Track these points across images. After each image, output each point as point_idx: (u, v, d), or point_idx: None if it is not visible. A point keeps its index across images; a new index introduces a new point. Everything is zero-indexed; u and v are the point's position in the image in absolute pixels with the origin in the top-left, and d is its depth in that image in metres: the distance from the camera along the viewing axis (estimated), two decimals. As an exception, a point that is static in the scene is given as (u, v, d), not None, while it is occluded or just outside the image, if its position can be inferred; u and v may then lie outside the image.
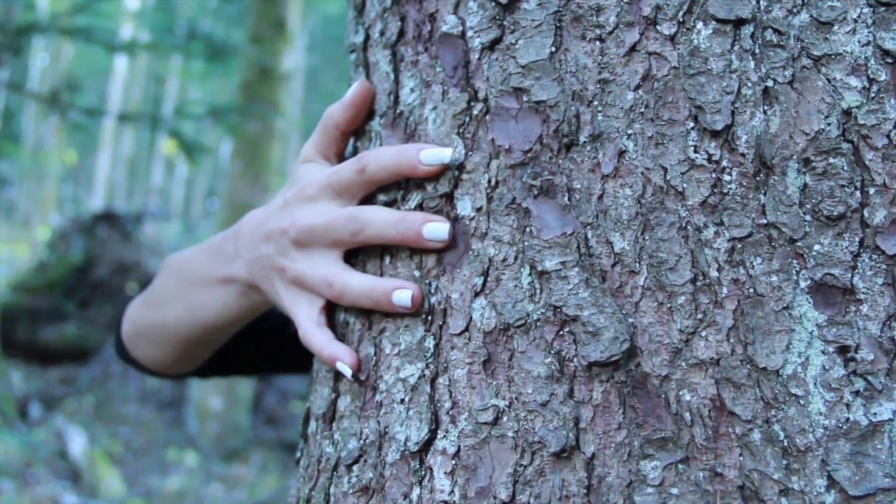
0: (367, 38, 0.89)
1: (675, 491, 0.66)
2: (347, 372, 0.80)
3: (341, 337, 0.84)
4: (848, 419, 0.64)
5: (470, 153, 0.77)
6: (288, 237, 0.84)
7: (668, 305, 0.68)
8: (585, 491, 0.67)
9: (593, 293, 0.70)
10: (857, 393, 0.64)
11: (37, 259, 9.46)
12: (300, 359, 1.11)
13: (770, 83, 0.69)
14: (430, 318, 0.77)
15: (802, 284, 0.66)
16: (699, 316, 0.67)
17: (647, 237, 0.69)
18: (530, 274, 0.72)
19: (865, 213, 0.66)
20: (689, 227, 0.69)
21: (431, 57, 0.81)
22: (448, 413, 0.73)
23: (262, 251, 0.87)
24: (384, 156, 0.80)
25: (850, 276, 0.66)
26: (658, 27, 0.71)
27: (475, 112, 0.77)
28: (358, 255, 0.84)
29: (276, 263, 0.86)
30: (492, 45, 0.76)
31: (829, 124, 0.67)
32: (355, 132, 0.90)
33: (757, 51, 0.69)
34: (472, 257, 0.75)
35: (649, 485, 0.66)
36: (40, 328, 8.17)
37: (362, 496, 0.77)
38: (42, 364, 8.08)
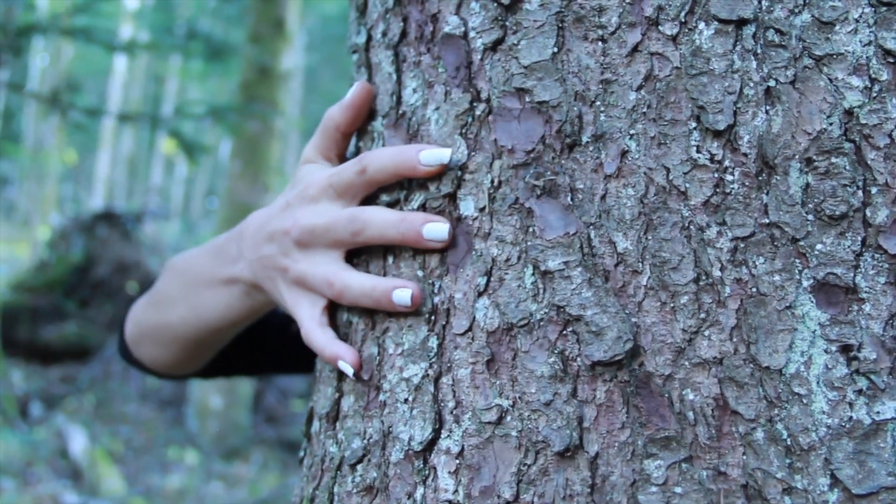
0: (370, 38, 0.89)
1: (678, 490, 0.66)
2: (349, 371, 0.80)
3: (344, 337, 0.84)
4: (851, 418, 0.64)
5: (472, 153, 0.77)
6: (290, 238, 0.85)
7: (671, 305, 0.68)
8: (589, 490, 0.68)
9: (596, 293, 0.70)
10: (859, 392, 0.64)
11: (37, 258, 9.47)
12: (302, 359, 1.11)
13: (772, 83, 0.69)
14: (433, 317, 0.77)
15: (805, 284, 0.66)
16: (702, 315, 0.68)
17: (649, 237, 0.70)
18: (533, 274, 0.72)
19: (867, 213, 0.66)
20: (691, 226, 0.69)
21: (434, 58, 0.81)
22: (452, 413, 0.74)
23: (265, 252, 0.88)
24: (384, 156, 0.80)
25: (852, 275, 0.66)
26: (660, 27, 0.71)
27: (478, 112, 0.77)
28: (361, 255, 0.84)
29: (278, 264, 0.86)
30: (494, 46, 0.77)
31: (831, 124, 0.67)
32: (357, 132, 0.90)
33: (759, 51, 0.69)
34: (476, 257, 0.75)
35: (653, 484, 0.66)
36: (41, 327, 8.17)
37: (366, 495, 0.77)
38: (43, 363, 8.08)
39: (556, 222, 0.72)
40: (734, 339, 0.67)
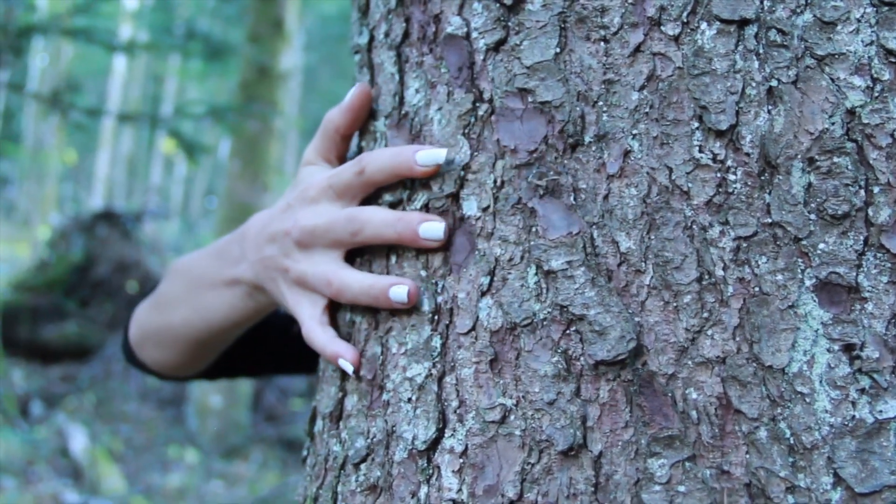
0: (372, 39, 0.89)
1: (682, 489, 0.66)
2: (349, 368, 0.81)
3: (347, 336, 0.85)
4: (854, 417, 0.64)
5: (475, 154, 0.77)
6: (291, 238, 0.85)
7: (674, 304, 0.69)
8: (593, 489, 0.68)
9: (599, 292, 0.70)
10: (862, 391, 0.65)
11: (37, 258, 9.46)
12: (304, 359, 1.12)
13: (774, 83, 0.69)
14: (436, 317, 0.77)
15: (807, 283, 0.67)
16: (705, 315, 0.68)
17: (652, 236, 0.70)
18: (536, 273, 0.72)
19: (870, 212, 0.66)
20: (694, 226, 0.69)
21: (436, 58, 0.81)
22: (455, 412, 0.74)
23: (267, 252, 0.88)
24: (382, 157, 0.81)
25: (854, 274, 0.66)
26: (662, 28, 0.71)
27: (480, 113, 0.77)
28: (365, 255, 0.85)
29: (279, 264, 0.87)
30: (496, 46, 0.77)
31: (833, 124, 0.67)
32: (360, 133, 0.91)
33: (761, 51, 0.70)
34: (479, 257, 0.75)
35: (657, 483, 0.66)
36: (41, 327, 8.18)
37: (370, 495, 0.77)
38: (43, 362, 8.08)
39: (559, 222, 0.72)
40: (737, 339, 0.67)
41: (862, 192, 0.67)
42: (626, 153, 0.71)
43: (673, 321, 0.68)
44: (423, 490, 0.74)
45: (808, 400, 0.65)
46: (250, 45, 7.58)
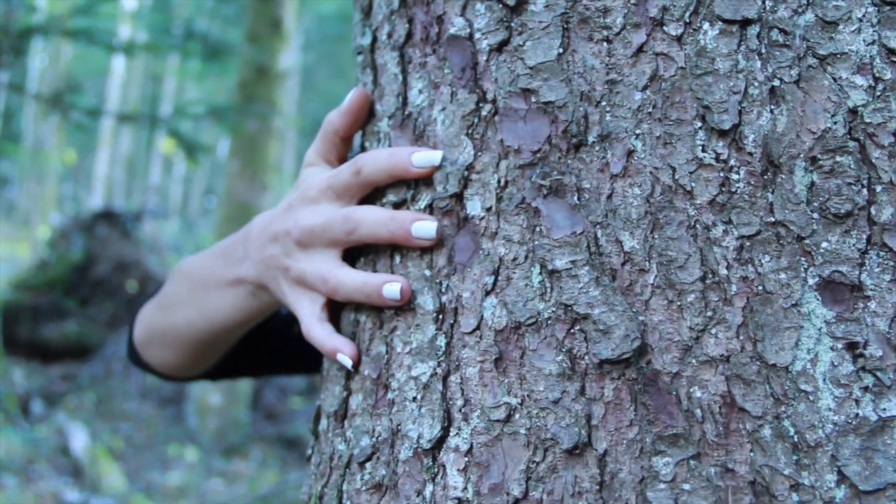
0: (375, 40, 0.89)
1: (686, 487, 0.66)
2: (348, 363, 0.82)
3: (352, 336, 0.85)
4: (857, 415, 0.65)
5: (479, 154, 0.77)
6: (291, 238, 0.87)
7: (678, 303, 0.69)
8: (598, 487, 0.68)
9: (603, 291, 0.70)
10: (865, 389, 0.65)
11: (37, 257, 9.46)
12: (306, 359, 1.13)
13: (776, 82, 0.69)
14: (441, 316, 0.77)
15: (811, 282, 0.67)
16: (709, 313, 0.68)
17: (656, 236, 0.70)
18: (541, 273, 0.73)
19: (872, 211, 0.67)
20: (697, 225, 0.69)
21: (439, 59, 0.81)
22: (460, 411, 0.74)
23: (269, 252, 0.89)
24: (379, 158, 0.82)
25: (857, 272, 0.66)
26: (665, 28, 0.72)
27: (484, 113, 0.77)
28: (369, 254, 0.85)
29: (281, 263, 0.88)
30: (499, 47, 0.77)
31: (835, 123, 0.68)
32: (363, 133, 0.91)
33: (763, 50, 0.70)
34: (483, 256, 0.76)
35: (661, 481, 0.67)
36: (41, 326, 8.17)
37: (375, 493, 0.78)
38: (43, 361, 8.08)
39: (563, 221, 0.73)
40: (741, 337, 0.67)
41: (864, 190, 0.67)
42: (630, 153, 0.71)
43: (677, 320, 0.69)
44: (429, 489, 0.74)
45: (811, 398, 0.65)
46: (249, 45, 7.57)
